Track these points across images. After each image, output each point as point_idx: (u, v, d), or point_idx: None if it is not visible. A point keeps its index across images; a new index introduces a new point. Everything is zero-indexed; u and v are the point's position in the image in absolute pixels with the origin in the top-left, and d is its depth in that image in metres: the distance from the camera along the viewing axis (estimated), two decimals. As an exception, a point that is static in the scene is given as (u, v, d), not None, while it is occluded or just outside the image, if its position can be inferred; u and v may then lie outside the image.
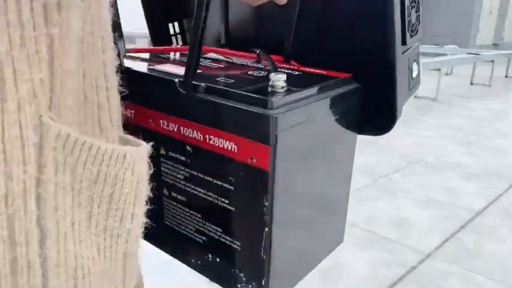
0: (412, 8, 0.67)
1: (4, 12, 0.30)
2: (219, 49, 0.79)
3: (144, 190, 0.43)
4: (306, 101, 0.55)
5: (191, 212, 0.64)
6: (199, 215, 0.63)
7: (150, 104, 0.64)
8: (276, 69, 0.65)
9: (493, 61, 7.70)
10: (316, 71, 0.67)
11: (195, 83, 0.57)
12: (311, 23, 0.71)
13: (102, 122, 0.41)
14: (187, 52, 0.56)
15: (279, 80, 0.54)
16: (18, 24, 0.31)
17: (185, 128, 0.60)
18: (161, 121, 0.63)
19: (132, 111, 0.66)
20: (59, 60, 0.34)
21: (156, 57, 0.75)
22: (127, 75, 0.64)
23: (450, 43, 9.55)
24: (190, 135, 0.59)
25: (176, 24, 0.93)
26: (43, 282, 0.35)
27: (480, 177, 3.52)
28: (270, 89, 0.55)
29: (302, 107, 0.54)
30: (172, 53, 0.78)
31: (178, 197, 0.65)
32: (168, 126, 0.62)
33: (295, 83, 0.57)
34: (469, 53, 7.56)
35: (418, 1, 0.70)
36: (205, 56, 0.78)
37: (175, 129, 0.61)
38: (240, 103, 0.53)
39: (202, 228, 0.63)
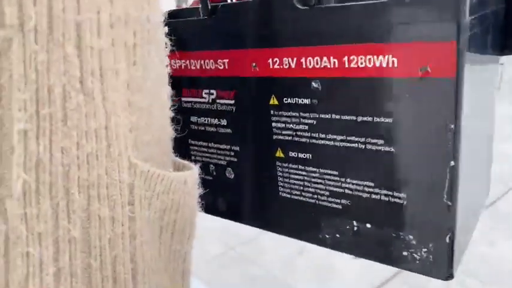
0: None
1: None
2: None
3: (197, 211, 0.45)
4: None
5: (322, 170, 0.49)
6: (335, 172, 0.48)
7: (252, 42, 0.50)
8: None
9: (502, 64, 7.67)
10: None
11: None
12: None
13: (168, 152, 0.44)
14: None
15: None
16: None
17: (309, 58, 0.46)
18: (270, 60, 0.49)
19: (225, 60, 0.53)
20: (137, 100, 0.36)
21: None
22: (215, 15, 0.51)
23: None
24: (318, 65, 0.45)
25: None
26: None
27: None
28: None
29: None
30: None
31: (301, 155, 0.50)
32: (281, 63, 0.48)
33: None
34: None
35: None
36: None
37: (294, 64, 0.47)
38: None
39: (341, 189, 0.48)
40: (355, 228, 0.48)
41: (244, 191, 0.57)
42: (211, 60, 0.54)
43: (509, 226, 2.51)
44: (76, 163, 0.31)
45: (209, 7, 0.51)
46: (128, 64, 0.34)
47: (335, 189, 0.49)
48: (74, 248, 0.32)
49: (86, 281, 0.33)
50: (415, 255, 0.44)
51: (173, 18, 0.55)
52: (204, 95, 0.57)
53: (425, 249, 0.44)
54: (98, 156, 0.33)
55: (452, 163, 0.40)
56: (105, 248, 0.34)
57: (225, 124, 0.56)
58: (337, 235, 0.50)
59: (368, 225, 0.47)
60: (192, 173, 0.43)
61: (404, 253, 0.45)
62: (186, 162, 0.46)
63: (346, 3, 0.42)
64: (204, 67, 0.55)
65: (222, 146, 0.57)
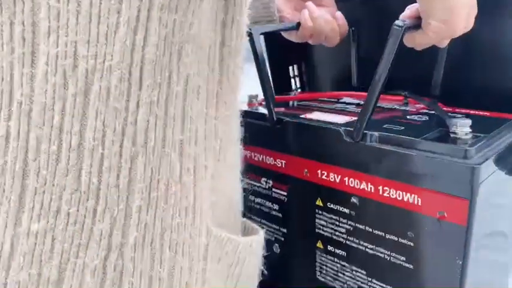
0: None
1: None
2: (354, 93, 0.75)
3: (259, 267, 0.52)
4: (497, 147, 0.49)
5: (353, 267, 0.58)
6: (364, 272, 0.57)
7: (306, 154, 0.60)
8: (448, 115, 0.59)
9: None
10: (478, 112, 0.62)
11: (366, 131, 0.53)
12: (459, 62, 0.66)
13: (237, 218, 0.51)
14: (326, 99, 0.53)
15: (464, 126, 0.49)
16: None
17: (351, 179, 0.55)
18: (319, 171, 0.58)
19: (283, 162, 0.63)
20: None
21: (298, 105, 0.72)
22: (280, 126, 0.61)
23: None
24: (357, 186, 0.55)
25: (295, 66, 0.91)
26: None
27: None
28: (452, 136, 0.50)
29: (496, 154, 0.48)
30: (312, 101, 0.75)
31: (337, 251, 0.60)
32: (328, 176, 0.58)
33: (473, 127, 0.52)
34: None
35: None
36: (341, 100, 0.75)
37: (338, 180, 0.57)
38: (427, 152, 0.48)
39: (366, 286, 0.57)
40: (376, 320, 0.57)
41: (287, 267, 0.67)
42: (271, 158, 0.64)
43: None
44: (170, 229, 0.40)
45: (275, 119, 0.62)
46: (214, 161, 0.44)
47: (362, 284, 0.58)
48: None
49: None
50: None
51: (245, 117, 0.66)
52: (262, 182, 0.67)
53: None
54: (186, 225, 0.41)
55: (458, 290, 0.48)
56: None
57: (277, 209, 0.66)
58: (361, 322, 0.59)
59: (386, 320, 0.56)
60: (258, 237, 0.51)
61: None
62: (255, 226, 0.53)
63: (383, 146, 0.51)
64: (264, 160, 0.65)
65: (272, 225, 0.67)
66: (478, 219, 0.47)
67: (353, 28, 0.74)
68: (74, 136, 0.36)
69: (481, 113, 0.62)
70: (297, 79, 0.92)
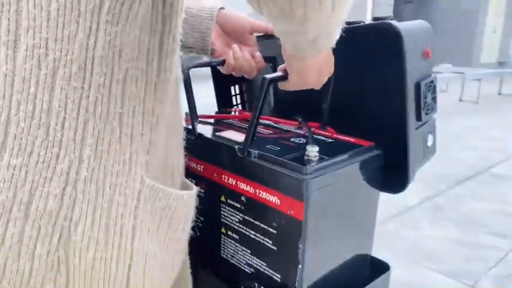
0: (428, 91, 0.80)
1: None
2: (270, 117, 0.95)
3: (192, 215, 0.65)
4: (334, 167, 0.70)
5: (243, 248, 0.79)
6: (249, 251, 0.78)
7: (215, 163, 0.80)
8: (312, 140, 0.80)
9: (480, 79, 7.65)
10: (346, 138, 0.82)
11: (250, 150, 0.73)
12: (342, 96, 0.86)
13: (173, 174, 0.65)
14: (244, 119, 0.72)
15: (312, 151, 0.69)
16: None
17: (241, 183, 0.75)
18: (223, 176, 0.79)
19: (202, 167, 0.83)
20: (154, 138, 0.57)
21: (221, 123, 0.92)
22: (199, 140, 0.81)
23: (451, 62, 9.51)
24: (245, 189, 0.75)
25: (236, 86, 1.11)
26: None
27: (424, 181, 3.70)
28: (305, 157, 0.70)
29: (329, 172, 0.68)
30: (233, 120, 0.95)
31: (234, 235, 0.80)
32: (228, 180, 0.78)
33: (326, 150, 0.72)
34: (454, 72, 7.62)
35: (435, 85, 0.83)
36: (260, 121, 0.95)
37: (234, 183, 0.77)
38: (283, 168, 0.68)
39: (251, 262, 0.78)
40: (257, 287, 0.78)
41: (203, 247, 0.87)
42: (194, 163, 0.84)
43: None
44: (110, 174, 0.53)
45: (196, 134, 0.82)
46: (151, 131, 0.56)
47: (248, 261, 0.78)
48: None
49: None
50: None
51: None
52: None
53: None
54: (123, 173, 0.54)
55: (300, 267, 0.68)
56: (117, 218, 0.54)
57: (198, 202, 0.86)
58: (248, 289, 0.79)
59: None
60: (191, 192, 0.64)
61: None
62: (191, 184, 0.68)
63: (260, 161, 0.71)
64: (190, 165, 0.85)
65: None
66: (312, 218, 0.67)
67: (271, 64, 0.94)
68: (45, 102, 0.49)
69: (346, 138, 0.82)
70: (238, 97, 1.12)
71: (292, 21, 0.51)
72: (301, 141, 0.80)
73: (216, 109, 1.09)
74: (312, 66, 0.69)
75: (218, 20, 0.93)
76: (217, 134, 0.83)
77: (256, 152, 0.73)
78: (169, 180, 0.64)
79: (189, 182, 0.70)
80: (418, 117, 0.79)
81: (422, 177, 3.79)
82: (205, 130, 0.85)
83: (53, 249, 0.51)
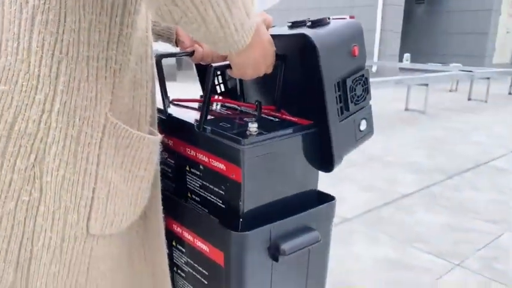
0: (357, 84, 0.93)
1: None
2: (234, 101, 1.09)
3: (155, 159, 0.78)
4: (268, 141, 0.84)
5: (203, 208, 0.94)
6: (206, 210, 0.93)
7: (181, 138, 0.95)
8: (258, 119, 0.94)
9: (488, 78, 7.71)
10: (292, 118, 0.95)
11: (205, 126, 0.87)
12: (290, 85, 0.98)
13: (140, 121, 0.77)
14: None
15: (253, 127, 0.84)
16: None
17: (199, 154, 0.90)
18: (187, 149, 0.93)
19: (171, 142, 0.98)
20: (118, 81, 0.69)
21: (190, 107, 1.07)
22: (169, 119, 0.95)
23: (463, 62, 9.43)
24: (202, 159, 0.90)
25: (220, 77, 1.24)
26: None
27: (423, 172, 3.84)
28: (247, 132, 0.84)
29: (263, 145, 0.83)
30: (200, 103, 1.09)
31: (196, 198, 0.95)
32: (190, 152, 0.93)
33: (269, 127, 0.87)
34: (461, 70, 7.69)
35: (366, 77, 0.95)
36: (224, 104, 1.09)
37: (194, 155, 0.91)
38: (227, 140, 0.83)
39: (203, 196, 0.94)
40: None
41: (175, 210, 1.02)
42: (166, 139, 1.00)
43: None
44: (80, 107, 0.64)
45: (167, 114, 0.97)
46: (113, 84, 0.67)
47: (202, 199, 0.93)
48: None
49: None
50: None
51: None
52: (163, 154, 1.02)
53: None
54: (90, 107, 0.65)
55: (241, 220, 0.82)
56: (84, 146, 0.65)
57: (170, 171, 1.01)
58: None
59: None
60: (154, 138, 0.76)
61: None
62: (156, 133, 0.80)
63: (212, 135, 0.85)
64: (164, 141, 1.00)
65: (168, 182, 1.03)
66: (248, 180, 0.81)
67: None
68: (26, 42, 0.61)
69: (292, 119, 0.95)
70: (222, 86, 1.25)
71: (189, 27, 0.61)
72: (249, 120, 0.94)
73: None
74: (245, 61, 0.79)
75: None
76: (183, 114, 0.98)
77: (209, 128, 0.87)
78: (136, 125, 0.76)
79: (156, 132, 0.82)
80: (346, 109, 0.91)
81: (421, 168, 3.97)
82: (175, 111, 1.00)
83: (29, 166, 0.62)
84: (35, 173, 0.63)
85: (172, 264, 1.00)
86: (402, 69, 11.97)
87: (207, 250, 0.90)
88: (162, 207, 0.89)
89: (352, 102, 0.91)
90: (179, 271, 1.01)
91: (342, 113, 0.89)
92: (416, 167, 3.99)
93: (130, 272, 0.85)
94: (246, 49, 0.71)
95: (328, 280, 1.02)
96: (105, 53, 0.66)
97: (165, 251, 0.91)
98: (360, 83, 0.93)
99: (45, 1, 0.61)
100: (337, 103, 0.88)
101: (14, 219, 0.64)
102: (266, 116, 0.97)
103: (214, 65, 0.83)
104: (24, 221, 0.64)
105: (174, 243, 1.01)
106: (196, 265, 0.94)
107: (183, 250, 0.98)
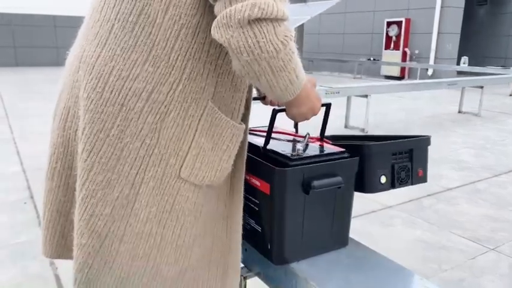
0: (401, 171, 1.13)
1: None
2: (290, 133, 1.29)
3: (237, 140, 0.94)
4: (302, 166, 1.01)
5: (247, 215, 1.15)
6: (246, 214, 1.14)
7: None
8: (305, 146, 1.13)
9: (482, 87, 7.15)
10: (333, 147, 1.13)
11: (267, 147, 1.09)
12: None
13: (233, 114, 0.93)
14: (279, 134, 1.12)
15: (299, 150, 1.05)
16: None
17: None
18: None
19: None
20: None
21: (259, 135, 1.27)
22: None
23: None
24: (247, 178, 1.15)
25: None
26: None
27: (471, 169, 3.80)
28: (290, 155, 1.02)
29: (295, 167, 1.00)
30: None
31: (246, 208, 1.16)
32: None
33: (311, 150, 1.06)
34: None
35: (408, 167, 1.15)
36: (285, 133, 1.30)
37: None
38: (267, 162, 1.03)
39: (247, 220, 1.14)
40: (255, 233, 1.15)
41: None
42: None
43: None
44: (196, 93, 0.84)
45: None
46: (216, 78, 0.87)
47: (247, 221, 1.19)
48: None
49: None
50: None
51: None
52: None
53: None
54: (199, 91, 0.85)
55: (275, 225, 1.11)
56: (191, 116, 0.85)
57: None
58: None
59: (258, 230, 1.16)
60: (236, 124, 0.91)
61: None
62: (242, 123, 0.93)
63: (267, 154, 1.14)
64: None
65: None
66: (278, 196, 1.01)
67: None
68: (172, 43, 0.83)
69: (333, 147, 1.13)
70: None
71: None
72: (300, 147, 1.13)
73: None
74: (295, 112, 0.94)
75: None
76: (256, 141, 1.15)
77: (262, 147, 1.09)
78: (229, 116, 0.92)
79: (241, 123, 0.95)
80: (392, 186, 1.14)
81: (468, 166, 3.97)
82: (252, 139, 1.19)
83: (155, 121, 0.83)
84: (156, 126, 0.83)
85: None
86: (460, 73, 11.57)
87: (259, 184, 1.08)
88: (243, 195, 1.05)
89: (397, 182, 1.14)
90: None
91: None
92: (463, 165, 3.97)
93: (210, 233, 1.00)
94: (295, 102, 0.91)
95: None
96: (216, 61, 0.86)
97: (240, 231, 1.07)
98: (404, 170, 1.14)
99: (188, 20, 0.81)
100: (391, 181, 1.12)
101: (137, 154, 0.84)
102: (312, 144, 1.16)
103: (276, 108, 1.05)
104: (143, 157, 0.84)
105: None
106: (251, 197, 1.11)
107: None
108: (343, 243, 1.17)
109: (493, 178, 3.63)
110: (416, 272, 1.04)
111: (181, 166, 0.87)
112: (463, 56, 11.48)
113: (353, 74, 13.60)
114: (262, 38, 0.72)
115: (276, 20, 0.73)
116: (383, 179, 1.15)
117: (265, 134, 1.18)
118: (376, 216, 2.77)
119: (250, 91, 0.99)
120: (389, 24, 12.91)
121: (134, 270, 0.90)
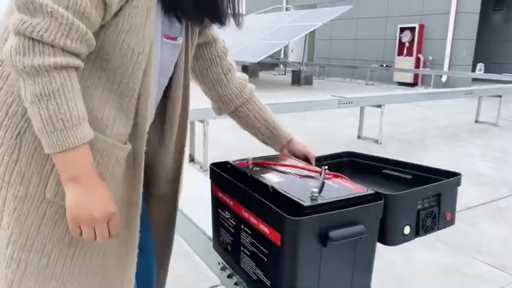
0: (427, 217, 1.02)
1: None
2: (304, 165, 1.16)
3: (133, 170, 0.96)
4: (319, 214, 0.88)
5: (250, 260, 1.03)
6: (254, 263, 1.01)
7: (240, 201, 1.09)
8: (321, 185, 0.99)
9: (500, 96, 6.79)
10: (353, 187, 0.99)
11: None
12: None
13: (106, 131, 0.88)
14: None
15: (313, 192, 0.90)
16: None
17: (251, 218, 1.03)
18: (243, 211, 1.07)
19: (231, 203, 1.11)
20: None
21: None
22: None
23: None
24: (251, 221, 1.02)
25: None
26: None
27: (491, 185, 3.62)
28: (307, 197, 0.90)
29: (311, 216, 0.87)
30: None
31: (246, 251, 1.04)
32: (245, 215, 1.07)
33: (328, 192, 0.93)
34: None
35: (435, 213, 1.04)
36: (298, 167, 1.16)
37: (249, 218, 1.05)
38: (270, 207, 0.90)
39: (254, 269, 1.01)
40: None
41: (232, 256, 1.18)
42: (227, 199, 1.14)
43: None
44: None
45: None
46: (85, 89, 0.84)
47: (254, 270, 1.03)
48: None
49: None
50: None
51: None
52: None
53: None
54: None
55: (283, 275, 0.95)
56: None
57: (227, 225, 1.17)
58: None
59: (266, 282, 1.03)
60: (125, 146, 0.91)
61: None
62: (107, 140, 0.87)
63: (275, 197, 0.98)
64: (224, 199, 1.16)
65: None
66: (288, 247, 0.87)
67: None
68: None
69: (352, 187, 0.99)
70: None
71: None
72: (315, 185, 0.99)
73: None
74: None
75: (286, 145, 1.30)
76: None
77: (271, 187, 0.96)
78: (99, 131, 0.86)
79: (127, 143, 0.92)
80: (416, 234, 1.03)
81: (488, 181, 3.79)
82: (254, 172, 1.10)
83: (14, 136, 0.82)
84: (16, 142, 0.81)
85: (240, 244, 1.06)
86: (475, 80, 11.37)
87: (268, 232, 0.94)
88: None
89: (422, 230, 1.03)
90: (245, 250, 1.05)
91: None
92: (482, 180, 3.80)
93: (99, 273, 0.94)
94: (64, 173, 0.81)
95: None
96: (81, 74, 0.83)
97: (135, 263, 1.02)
98: (429, 216, 1.04)
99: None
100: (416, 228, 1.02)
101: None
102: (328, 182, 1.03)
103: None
104: (4, 174, 0.82)
105: (242, 226, 1.05)
106: (258, 245, 0.99)
107: (249, 232, 1.02)
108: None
109: (513, 195, 3.45)
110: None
111: (46, 187, 0.83)
112: (478, 62, 11.24)
113: (365, 80, 13.34)
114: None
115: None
116: (406, 230, 1.02)
117: (274, 166, 1.02)
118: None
119: (143, 114, 0.94)
120: (402, 30, 12.66)
121: None
